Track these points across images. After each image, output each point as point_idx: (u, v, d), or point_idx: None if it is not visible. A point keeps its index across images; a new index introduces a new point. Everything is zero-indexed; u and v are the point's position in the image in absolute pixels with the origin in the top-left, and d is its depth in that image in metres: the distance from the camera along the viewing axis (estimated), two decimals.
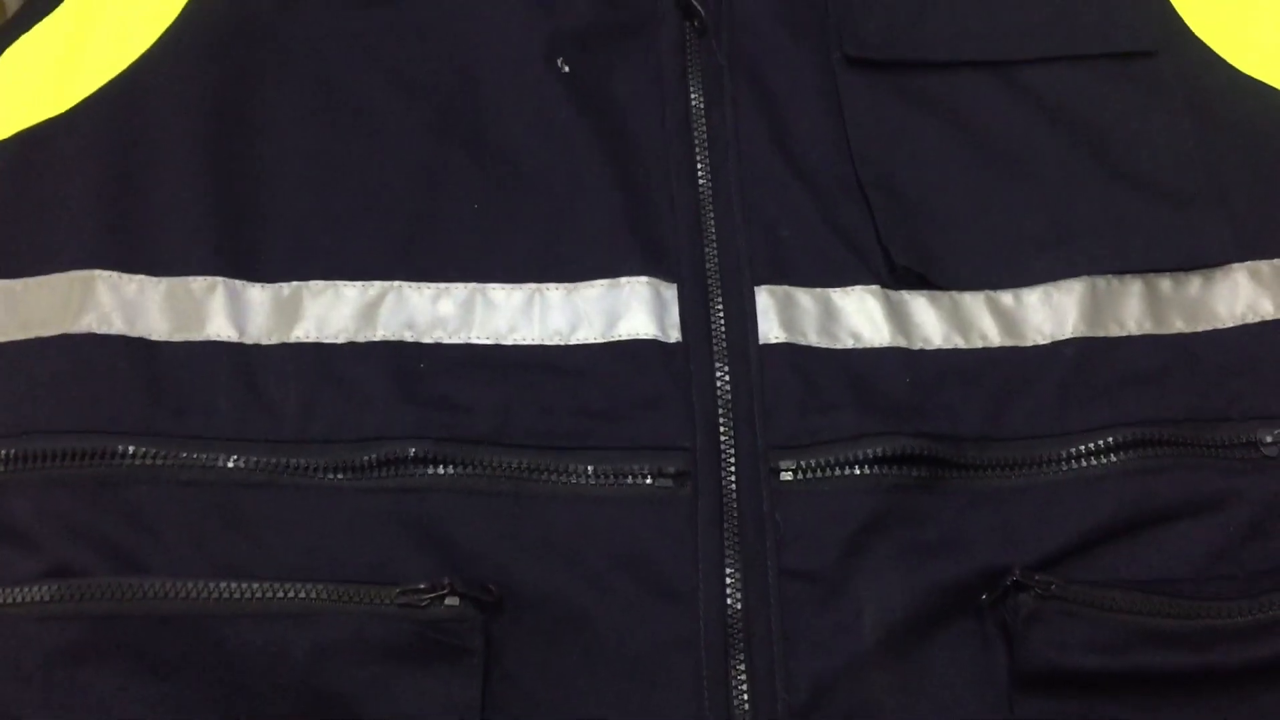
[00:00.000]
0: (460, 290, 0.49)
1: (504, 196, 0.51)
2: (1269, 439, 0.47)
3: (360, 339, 0.48)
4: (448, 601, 0.43)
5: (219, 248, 0.48)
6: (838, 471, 0.46)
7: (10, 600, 0.42)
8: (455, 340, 0.48)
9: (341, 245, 0.49)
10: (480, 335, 0.48)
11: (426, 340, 0.48)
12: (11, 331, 0.47)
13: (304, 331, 0.48)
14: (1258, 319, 0.49)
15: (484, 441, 0.46)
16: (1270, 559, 0.46)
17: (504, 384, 0.47)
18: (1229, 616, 0.43)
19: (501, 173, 0.51)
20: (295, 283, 0.49)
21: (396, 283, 0.49)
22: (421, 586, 0.43)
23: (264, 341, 0.47)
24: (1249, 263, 0.50)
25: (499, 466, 0.46)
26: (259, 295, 0.48)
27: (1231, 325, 0.50)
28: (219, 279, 0.48)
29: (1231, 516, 0.46)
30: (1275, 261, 0.50)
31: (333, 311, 0.48)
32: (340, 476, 0.45)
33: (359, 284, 0.49)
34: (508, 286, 0.49)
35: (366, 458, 0.45)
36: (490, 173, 0.51)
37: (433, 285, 0.49)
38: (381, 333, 0.48)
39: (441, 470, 0.46)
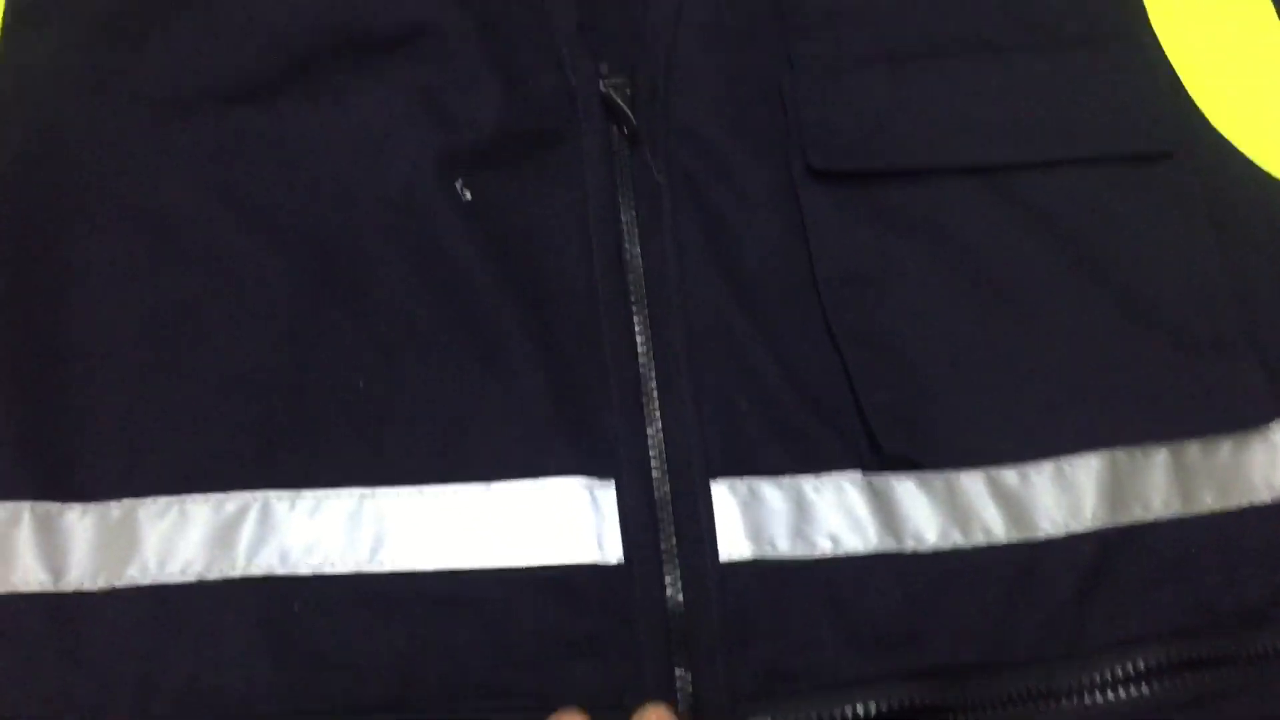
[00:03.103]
0: (344, 500, 0.39)
1: (394, 370, 0.40)
2: None
3: (214, 575, 0.37)
4: None
5: (20, 460, 0.38)
6: None
7: None
8: (340, 570, 0.38)
9: (185, 445, 0.39)
10: (371, 563, 0.38)
11: (303, 572, 0.38)
12: None
13: (140, 569, 0.37)
14: None
15: (379, 709, 0.37)
16: None
17: (404, 626, 0.38)
18: None
19: (390, 338, 0.41)
20: (127, 500, 0.38)
21: (260, 493, 0.38)
22: None
23: (87, 587, 0.37)
24: None
25: None
26: (79, 522, 0.38)
27: (1270, 501, 0.42)
28: (25, 504, 0.37)
29: None
30: None
31: (178, 538, 0.38)
32: None
33: (211, 498, 0.38)
34: (406, 491, 0.39)
35: None
36: (375, 338, 0.41)
37: (308, 493, 0.39)
38: (243, 565, 0.38)
39: None
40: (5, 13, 0.44)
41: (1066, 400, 0.42)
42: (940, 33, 0.46)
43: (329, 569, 0.38)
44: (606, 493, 0.40)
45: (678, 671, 0.38)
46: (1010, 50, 0.46)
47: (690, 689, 0.38)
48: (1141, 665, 0.39)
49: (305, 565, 0.38)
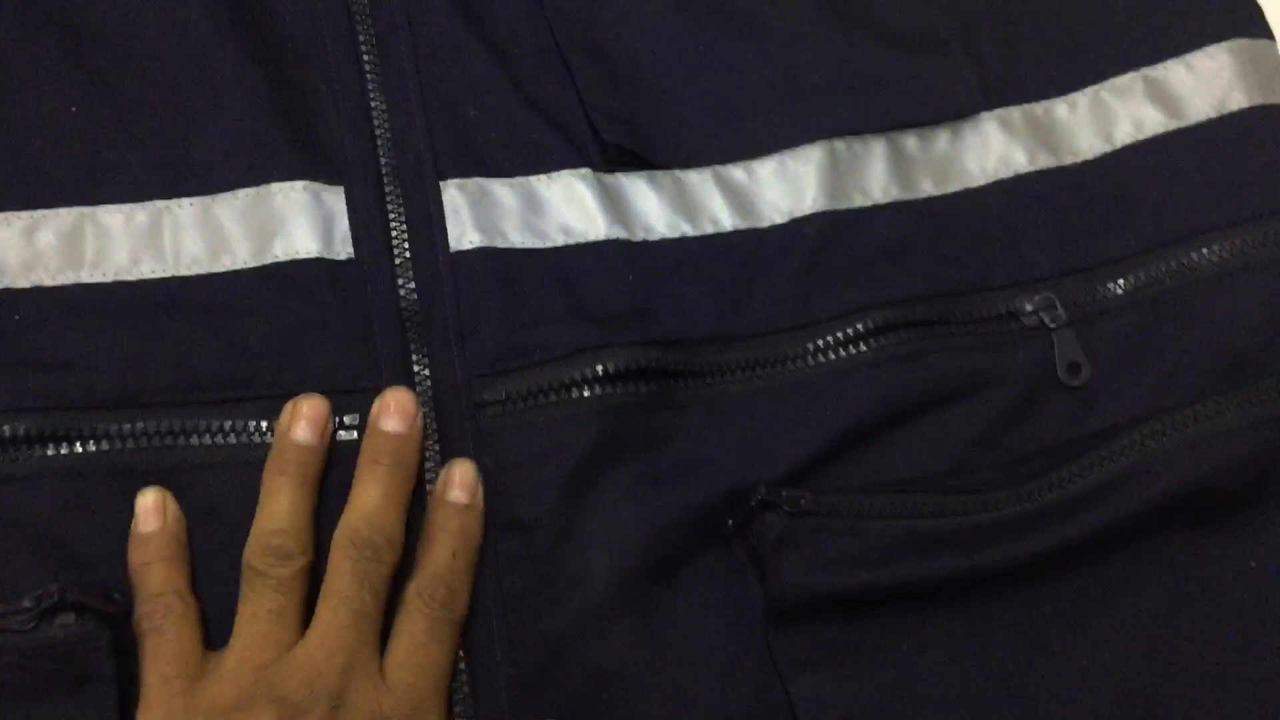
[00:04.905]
0: (62, 217, 0.38)
1: (110, 93, 0.40)
2: (1029, 308, 0.42)
3: None
4: (60, 620, 0.33)
5: None
6: (554, 397, 0.39)
7: None
8: (60, 282, 0.38)
9: None
10: (94, 273, 0.38)
11: (21, 285, 0.38)
12: None
13: None
14: (1011, 173, 0.44)
15: (108, 405, 0.37)
16: (1034, 440, 0.41)
17: (129, 331, 0.38)
18: (996, 509, 0.38)
19: (104, 63, 0.40)
20: None
21: None
22: (23, 604, 0.33)
23: None
24: (999, 110, 0.45)
25: (131, 435, 0.36)
26: None
27: (984, 183, 0.44)
28: None
29: (992, 398, 0.41)
30: (1027, 107, 0.45)
31: None
32: None
33: None
34: (125, 208, 0.39)
35: None
36: (89, 64, 0.40)
37: (24, 214, 0.38)
38: None
39: (51, 450, 0.36)
40: None
41: (787, 99, 0.44)
42: None
43: (48, 281, 0.38)
44: (334, 195, 0.40)
45: (414, 358, 0.39)
46: None
47: (427, 372, 0.39)
48: (861, 328, 0.41)
49: (25, 279, 0.38)
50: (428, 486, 0.38)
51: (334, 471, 0.37)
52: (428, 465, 0.38)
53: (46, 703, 0.33)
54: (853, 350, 0.41)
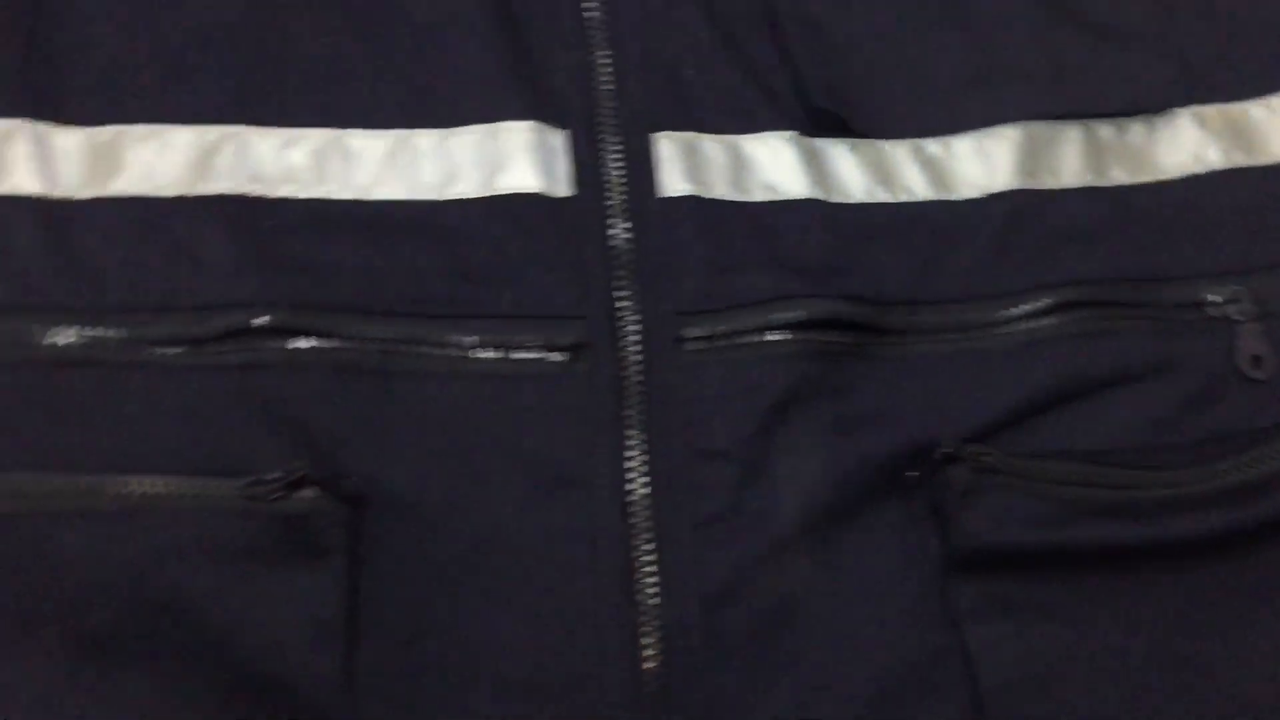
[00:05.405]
0: (314, 137, 0.42)
1: (361, 28, 0.43)
2: (1214, 299, 0.43)
3: (195, 193, 0.41)
4: (302, 493, 0.36)
5: (19, 85, 0.40)
6: (753, 338, 0.41)
7: None
8: (310, 195, 0.41)
9: (168, 83, 0.42)
10: (339, 190, 0.41)
11: (274, 195, 0.41)
12: None
13: (126, 183, 0.40)
14: (1204, 169, 0.45)
15: (348, 309, 0.40)
16: (1214, 426, 0.42)
17: (368, 245, 0.41)
18: (1175, 487, 0.40)
19: (359, 5, 0.44)
20: (114, 127, 0.41)
21: (237, 127, 0.42)
22: (271, 477, 0.36)
23: (77, 195, 0.40)
24: (1194, 107, 0.46)
25: (366, 338, 0.39)
26: (69, 141, 0.41)
27: (1176, 176, 0.45)
28: (18, 122, 0.40)
29: (1175, 383, 0.42)
30: (1223, 106, 0.46)
31: (160, 161, 0.41)
32: (175, 352, 0.39)
33: (192, 129, 0.41)
34: (370, 133, 0.42)
35: (208, 329, 0.39)
36: (346, 6, 0.44)
37: (281, 131, 0.42)
38: (220, 185, 0.41)
39: (299, 344, 0.39)
40: None
41: (988, 80, 0.45)
42: None
43: (301, 194, 0.41)
44: (557, 137, 0.43)
45: (622, 293, 0.41)
46: None
47: (632, 305, 0.41)
48: (1047, 303, 0.42)
49: (277, 191, 0.41)
50: (625, 413, 0.40)
51: (541, 395, 0.40)
52: (629, 400, 0.40)
53: (285, 569, 0.36)
54: (1038, 324, 0.42)
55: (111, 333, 0.39)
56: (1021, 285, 0.43)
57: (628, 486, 0.39)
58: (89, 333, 0.38)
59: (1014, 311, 0.42)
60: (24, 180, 0.40)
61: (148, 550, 0.36)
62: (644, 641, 0.38)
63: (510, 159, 0.42)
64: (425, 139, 0.42)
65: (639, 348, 0.41)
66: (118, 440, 0.38)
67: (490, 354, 0.40)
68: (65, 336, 0.38)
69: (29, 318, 0.38)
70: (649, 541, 0.39)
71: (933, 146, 0.45)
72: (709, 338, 0.41)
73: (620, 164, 0.43)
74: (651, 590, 0.38)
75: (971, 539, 0.39)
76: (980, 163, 0.44)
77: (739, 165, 0.43)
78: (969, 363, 0.42)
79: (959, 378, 0.41)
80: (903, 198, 0.44)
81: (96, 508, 0.36)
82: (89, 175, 0.40)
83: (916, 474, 0.40)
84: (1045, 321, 0.42)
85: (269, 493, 0.36)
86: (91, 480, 0.37)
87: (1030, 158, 0.45)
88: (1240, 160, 0.45)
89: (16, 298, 0.39)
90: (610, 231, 0.42)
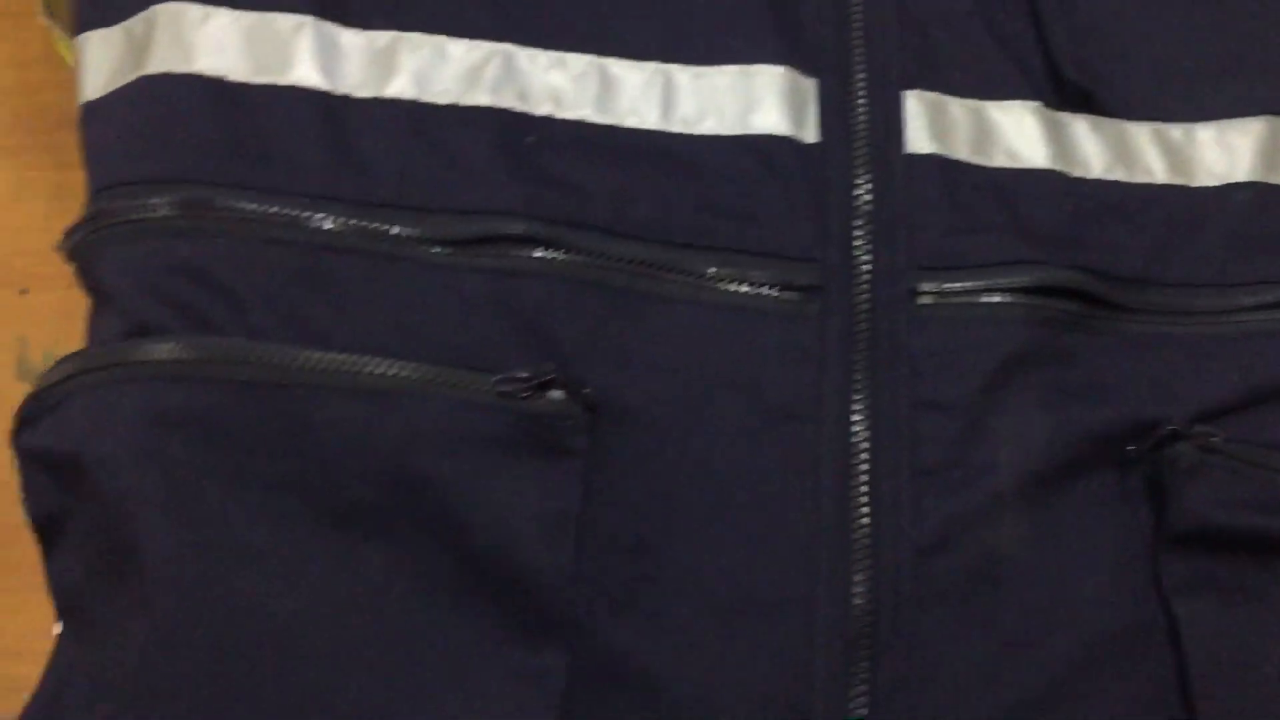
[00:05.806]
0: (578, 61, 0.43)
1: None
2: None
3: (464, 102, 0.42)
4: (551, 395, 0.38)
5: None
6: (985, 298, 0.41)
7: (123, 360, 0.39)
8: (569, 116, 0.43)
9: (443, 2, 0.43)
10: (597, 114, 0.43)
11: (537, 112, 0.43)
12: (99, 86, 0.43)
13: (401, 87, 0.42)
14: None
15: (598, 228, 0.41)
16: None
17: (621, 169, 0.42)
18: None
19: None
20: (393, 33, 0.43)
21: (507, 45, 0.43)
22: (522, 375, 0.38)
23: (356, 94, 0.42)
24: None
25: (614, 257, 0.41)
26: (352, 42, 0.43)
27: None
28: (308, 18, 0.42)
29: None
30: None
31: (434, 69, 0.43)
32: (437, 250, 0.41)
33: (465, 42, 0.43)
34: (630, 63, 0.43)
35: (467, 231, 0.40)
36: None
37: (547, 53, 0.43)
38: (487, 98, 0.43)
39: (549, 255, 0.41)
40: None
41: (1235, 70, 0.45)
42: None
43: (560, 114, 0.43)
44: (809, 84, 0.44)
45: (859, 242, 0.42)
46: None
47: (868, 256, 0.42)
48: (1275, 298, 0.42)
49: (540, 108, 0.43)
50: (852, 357, 0.41)
51: (774, 331, 0.41)
52: (858, 345, 0.41)
53: (529, 464, 0.38)
54: (1269, 316, 0.42)
55: (378, 225, 0.41)
56: (1255, 277, 0.43)
57: (853, 429, 0.40)
58: (359, 223, 0.41)
59: (1245, 301, 0.43)
60: (308, 73, 0.42)
61: (403, 432, 0.38)
62: (855, 579, 0.39)
63: (762, 101, 0.43)
64: (682, 74, 0.43)
65: (869, 296, 0.42)
66: (374, 327, 0.40)
67: (728, 285, 0.41)
68: (334, 224, 0.41)
69: (304, 204, 0.41)
70: (865, 484, 0.40)
71: (1175, 132, 0.45)
72: (940, 293, 0.42)
73: (868, 117, 0.43)
74: (865, 532, 0.39)
75: (1190, 517, 0.39)
76: (1222, 152, 0.44)
77: (983, 130, 0.44)
78: (1196, 347, 0.42)
79: (1185, 360, 0.42)
80: (1141, 179, 0.44)
81: (356, 386, 0.38)
82: (367, 76, 0.42)
83: (1138, 448, 0.40)
84: (1273, 315, 0.42)
85: (520, 390, 0.38)
86: (353, 359, 0.39)
87: (1273, 151, 0.44)
88: None
89: (293, 183, 0.41)
90: (855, 181, 0.43)
